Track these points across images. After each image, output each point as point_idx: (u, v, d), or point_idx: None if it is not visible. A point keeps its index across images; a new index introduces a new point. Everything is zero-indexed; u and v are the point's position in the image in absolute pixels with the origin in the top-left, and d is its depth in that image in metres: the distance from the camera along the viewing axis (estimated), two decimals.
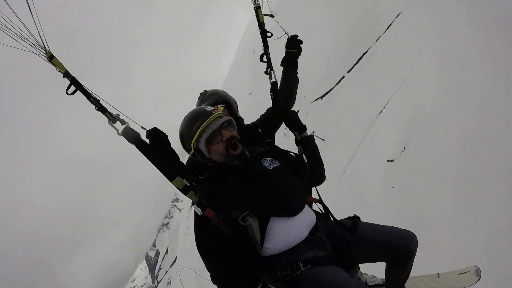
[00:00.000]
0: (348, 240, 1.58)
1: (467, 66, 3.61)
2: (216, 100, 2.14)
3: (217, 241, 1.45)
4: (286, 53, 2.08)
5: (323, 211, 1.77)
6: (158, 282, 54.78)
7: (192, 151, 1.64)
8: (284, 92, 2.04)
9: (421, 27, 5.17)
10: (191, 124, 1.61)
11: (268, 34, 2.05)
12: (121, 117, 1.58)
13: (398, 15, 6.35)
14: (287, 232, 1.52)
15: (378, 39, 6.75)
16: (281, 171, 1.64)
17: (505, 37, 3.28)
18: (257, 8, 2.00)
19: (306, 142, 1.82)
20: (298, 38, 2.06)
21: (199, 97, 2.26)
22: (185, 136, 1.64)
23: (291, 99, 2.10)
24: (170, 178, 1.55)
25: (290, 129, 1.87)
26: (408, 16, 6.00)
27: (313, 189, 1.81)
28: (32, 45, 1.40)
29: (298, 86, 2.12)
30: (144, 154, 1.57)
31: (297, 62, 2.08)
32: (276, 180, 1.59)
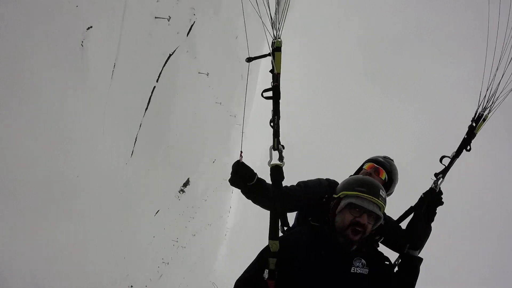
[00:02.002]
0: None
1: None
2: (385, 183, 2.07)
3: None
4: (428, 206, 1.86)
5: None
6: None
7: (336, 197, 1.67)
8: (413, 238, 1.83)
9: None
10: (359, 184, 1.60)
11: (468, 148, 1.87)
12: (283, 153, 1.57)
13: None
14: None
15: None
16: (360, 279, 1.54)
17: None
18: (483, 120, 1.84)
19: (409, 260, 1.74)
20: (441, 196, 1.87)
21: (383, 156, 2.21)
22: (346, 184, 1.68)
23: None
24: (273, 236, 1.53)
25: (406, 240, 1.78)
26: None
27: None
28: (271, 26, 1.50)
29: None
30: (271, 201, 1.60)
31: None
32: (347, 285, 1.52)
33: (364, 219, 1.52)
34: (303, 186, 1.98)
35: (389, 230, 1.84)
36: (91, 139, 3.89)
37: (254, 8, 1.49)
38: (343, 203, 1.59)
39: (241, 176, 1.74)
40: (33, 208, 3.11)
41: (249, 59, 1.57)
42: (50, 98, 3.07)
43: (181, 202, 9.87)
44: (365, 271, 1.55)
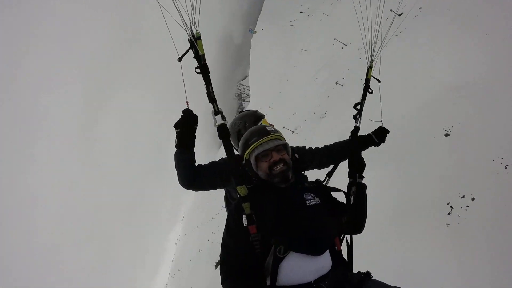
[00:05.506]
0: None
1: None
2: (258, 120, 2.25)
3: (245, 254, 1.54)
4: (369, 136, 2.25)
5: (342, 261, 1.74)
6: None
7: (244, 161, 1.78)
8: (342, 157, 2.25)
9: None
10: (249, 138, 1.75)
11: (370, 91, 2.29)
12: (223, 113, 1.73)
13: None
14: (295, 269, 1.53)
15: None
16: (317, 209, 1.68)
17: None
18: (369, 68, 2.34)
19: (359, 188, 1.92)
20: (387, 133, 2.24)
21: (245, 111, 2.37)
22: (242, 146, 1.79)
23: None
24: (239, 182, 1.61)
25: (352, 168, 1.99)
26: None
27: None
28: (186, 24, 1.61)
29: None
30: (226, 150, 1.69)
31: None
32: (310, 216, 1.63)
33: (275, 156, 1.68)
34: (212, 163, 2.11)
35: (311, 155, 2.23)
36: None
37: (178, 11, 1.60)
38: (252, 160, 1.73)
39: (190, 122, 1.83)
40: None
41: (180, 59, 1.72)
42: None
43: None
44: (317, 201, 1.70)
